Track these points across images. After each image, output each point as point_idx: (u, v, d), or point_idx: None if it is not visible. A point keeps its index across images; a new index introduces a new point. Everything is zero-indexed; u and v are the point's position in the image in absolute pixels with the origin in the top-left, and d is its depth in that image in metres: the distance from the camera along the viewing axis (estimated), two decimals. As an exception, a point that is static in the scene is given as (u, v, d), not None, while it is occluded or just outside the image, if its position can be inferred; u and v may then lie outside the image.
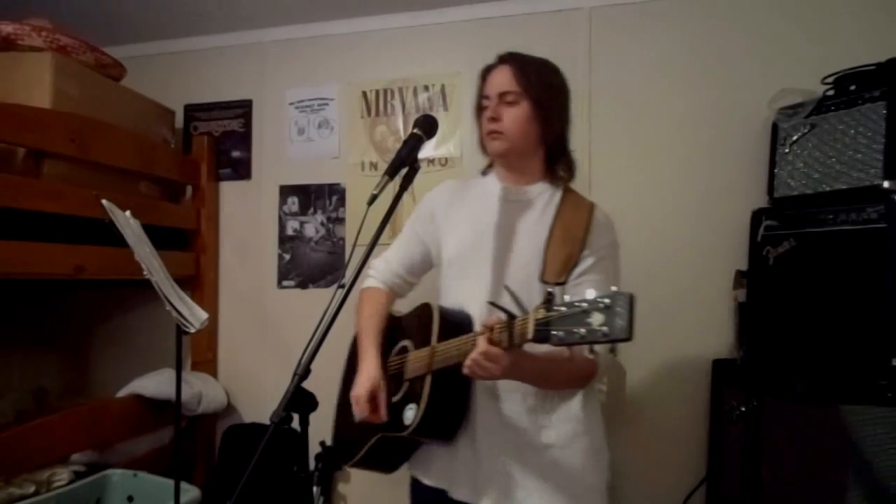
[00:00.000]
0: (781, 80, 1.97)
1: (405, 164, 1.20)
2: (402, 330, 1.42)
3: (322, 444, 1.58)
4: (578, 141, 2.24)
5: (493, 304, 1.05)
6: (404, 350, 1.37)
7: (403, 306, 1.49)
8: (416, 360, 1.29)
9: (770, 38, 2.10)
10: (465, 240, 1.34)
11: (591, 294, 0.89)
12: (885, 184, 1.59)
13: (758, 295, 1.86)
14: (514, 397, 1.26)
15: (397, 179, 1.20)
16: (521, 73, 1.27)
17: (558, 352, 0.94)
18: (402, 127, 2.46)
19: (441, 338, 1.23)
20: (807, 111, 1.81)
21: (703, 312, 2.13)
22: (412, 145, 1.21)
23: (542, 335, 0.93)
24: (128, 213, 1.60)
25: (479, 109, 1.34)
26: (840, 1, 2.04)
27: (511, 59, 1.30)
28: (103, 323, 2.76)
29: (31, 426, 1.84)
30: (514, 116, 1.27)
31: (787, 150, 1.86)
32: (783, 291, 1.76)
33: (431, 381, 1.22)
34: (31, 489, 1.79)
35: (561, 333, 0.90)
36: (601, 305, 0.87)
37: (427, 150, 2.33)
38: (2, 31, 1.90)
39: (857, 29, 2.00)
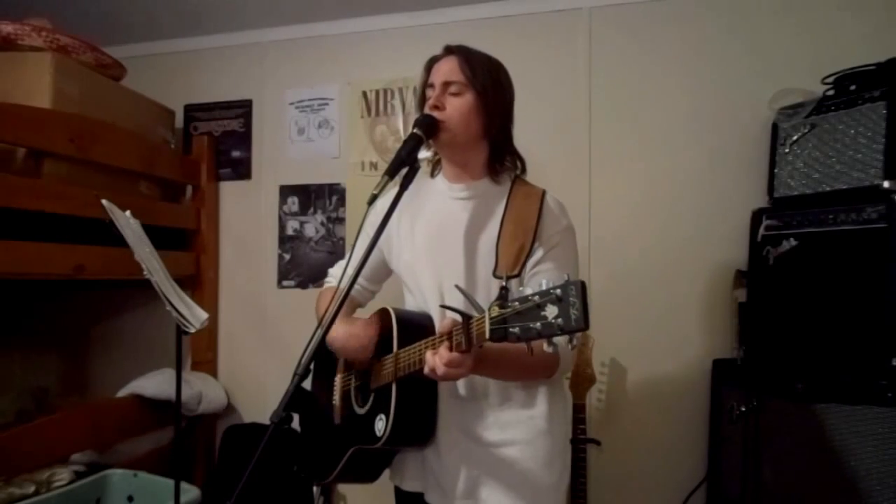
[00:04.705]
0: (781, 80, 1.98)
1: (405, 164, 1.19)
2: None
3: (294, 468, 1.55)
4: (579, 141, 2.27)
5: (445, 307, 1.03)
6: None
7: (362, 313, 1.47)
8: (380, 368, 1.28)
9: (770, 38, 2.10)
10: (419, 243, 1.33)
11: (543, 285, 0.88)
12: (885, 184, 1.59)
13: (758, 295, 1.86)
14: (477, 395, 1.26)
15: (397, 179, 1.19)
16: (466, 64, 1.25)
17: (516, 345, 0.93)
18: (402, 127, 2.46)
19: (402, 343, 1.22)
20: (807, 111, 1.81)
21: (703, 312, 2.13)
22: (412, 145, 1.20)
23: (499, 334, 0.92)
24: (128, 213, 1.60)
25: (423, 101, 1.32)
26: (840, 1, 2.04)
27: (458, 51, 1.28)
28: (103, 323, 2.75)
29: (31, 426, 1.84)
30: (458, 106, 1.24)
31: (787, 150, 1.86)
32: (783, 291, 1.76)
33: (397, 389, 1.20)
34: (31, 489, 1.79)
35: (517, 330, 0.89)
36: (553, 297, 0.86)
37: (427, 150, 2.33)
38: (2, 31, 1.89)
39: (857, 29, 2.00)
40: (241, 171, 2.67)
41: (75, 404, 2.34)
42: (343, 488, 2.45)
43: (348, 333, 1.28)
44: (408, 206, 1.33)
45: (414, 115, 1.35)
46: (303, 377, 1.04)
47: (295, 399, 1.03)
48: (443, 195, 1.35)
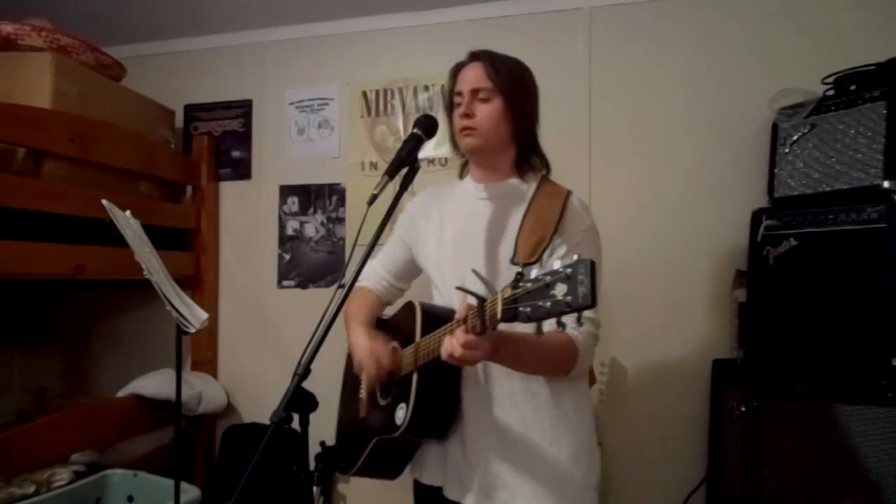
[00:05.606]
0: (781, 80, 1.97)
1: (405, 164, 1.20)
2: (389, 332, 1.43)
3: (322, 443, 1.57)
4: (578, 141, 2.27)
5: (460, 288, 1.04)
6: (393, 351, 1.38)
7: (391, 310, 1.51)
8: (403, 358, 1.30)
9: (770, 38, 2.10)
10: (446, 241, 1.36)
11: (555, 266, 0.89)
12: (885, 184, 1.59)
13: (758, 295, 1.85)
14: (503, 394, 1.26)
15: (397, 179, 1.20)
16: (493, 70, 1.27)
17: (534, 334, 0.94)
18: (402, 127, 2.46)
19: (424, 333, 1.24)
20: (807, 111, 1.81)
21: (703, 312, 2.13)
22: (412, 145, 1.22)
23: (510, 313, 0.93)
24: (128, 213, 1.60)
25: (451, 107, 1.34)
26: (840, 1, 2.04)
27: (483, 56, 1.30)
28: (103, 323, 2.75)
29: (31, 426, 1.84)
30: (488, 112, 1.27)
31: (787, 150, 1.86)
32: (783, 291, 1.76)
33: (418, 377, 1.22)
34: (31, 489, 1.79)
35: (528, 309, 0.90)
36: (563, 276, 0.87)
37: (427, 150, 2.33)
38: (2, 31, 1.89)
39: (857, 29, 2.00)
40: (241, 171, 2.67)
41: (75, 404, 2.34)
42: (343, 488, 2.45)
43: (368, 349, 1.31)
44: (438, 206, 1.40)
45: (414, 115, 1.37)
46: (303, 377, 1.05)
47: (295, 399, 1.03)
48: (470, 196, 1.38)
